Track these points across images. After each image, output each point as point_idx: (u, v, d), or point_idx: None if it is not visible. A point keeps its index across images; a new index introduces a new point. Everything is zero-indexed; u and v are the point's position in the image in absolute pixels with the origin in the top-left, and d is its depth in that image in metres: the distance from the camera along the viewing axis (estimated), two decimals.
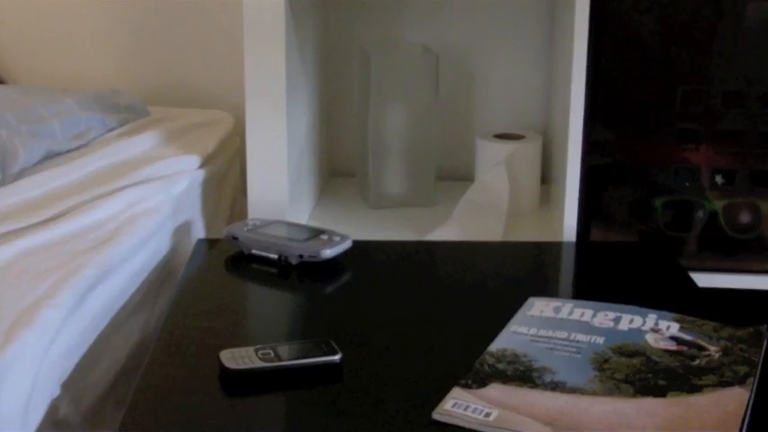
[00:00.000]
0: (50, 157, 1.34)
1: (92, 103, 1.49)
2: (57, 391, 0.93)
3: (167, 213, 1.26)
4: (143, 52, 1.79)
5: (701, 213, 1.31)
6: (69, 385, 0.96)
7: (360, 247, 1.20)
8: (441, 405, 0.82)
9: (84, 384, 1.00)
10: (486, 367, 0.88)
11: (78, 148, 1.40)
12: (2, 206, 1.17)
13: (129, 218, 1.19)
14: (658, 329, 0.96)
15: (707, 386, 0.84)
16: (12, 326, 0.89)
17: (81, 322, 1.00)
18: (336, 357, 0.89)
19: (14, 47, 1.81)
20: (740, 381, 0.85)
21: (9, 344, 0.86)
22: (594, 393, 0.83)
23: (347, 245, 1.17)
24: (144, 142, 1.44)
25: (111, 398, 1.06)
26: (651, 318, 0.98)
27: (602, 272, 1.20)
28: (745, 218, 1.31)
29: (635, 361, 0.89)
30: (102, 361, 1.05)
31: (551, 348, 0.92)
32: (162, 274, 1.22)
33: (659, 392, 0.83)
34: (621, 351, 0.91)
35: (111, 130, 1.49)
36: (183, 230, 1.31)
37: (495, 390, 0.84)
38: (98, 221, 1.17)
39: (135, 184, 1.27)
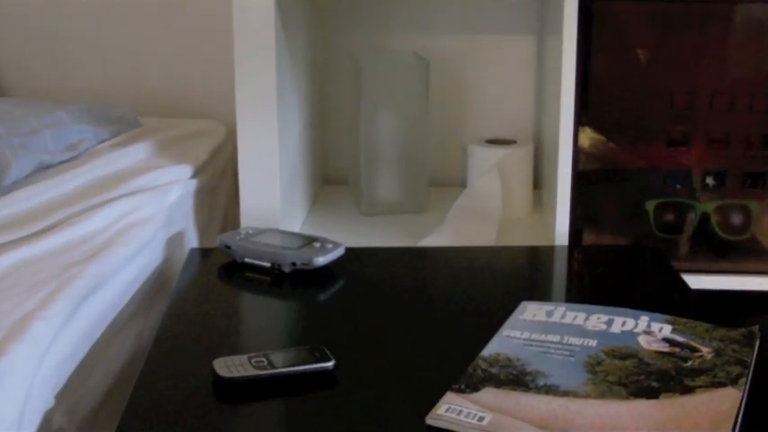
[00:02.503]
0: (42, 169, 1.34)
1: (84, 115, 1.49)
2: (51, 402, 0.93)
3: (160, 223, 1.26)
4: (134, 63, 1.79)
5: (692, 215, 1.31)
6: (63, 396, 0.96)
7: (353, 254, 1.20)
8: (434, 410, 0.82)
9: (78, 395, 1.00)
10: (480, 372, 0.88)
11: (70, 159, 1.40)
12: None
13: (121, 228, 1.19)
14: (651, 331, 0.96)
15: (700, 387, 0.84)
16: (4, 338, 0.89)
17: (74, 333, 1.00)
18: (330, 364, 0.89)
19: (7, 58, 1.81)
20: (733, 381, 0.85)
21: (1, 356, 0.86)
22: (588, 396, 0.83)
23: (340, 252, 1.17)
24: (136, 153, 1.44)
25: (105, 408, 1.06)
26: (644, 320, 0.98)
27: (594, 275, 1.20)
28: (736, 219, 1.31)
29: (628, 363, 0.89)
30: (96, 371, 1.05)
31: (544, 352, 0.92)
32: (155, 283, 1.22)
33: (652, 394, 0.83)
34: (614, 353, 0.91)
35: (103, 141, 1.49)
36: (175, 240, 1.31)
37: (488, 394, 0.84)
38: (91, 232, 1.17)
39: (127, 194, 1.27)
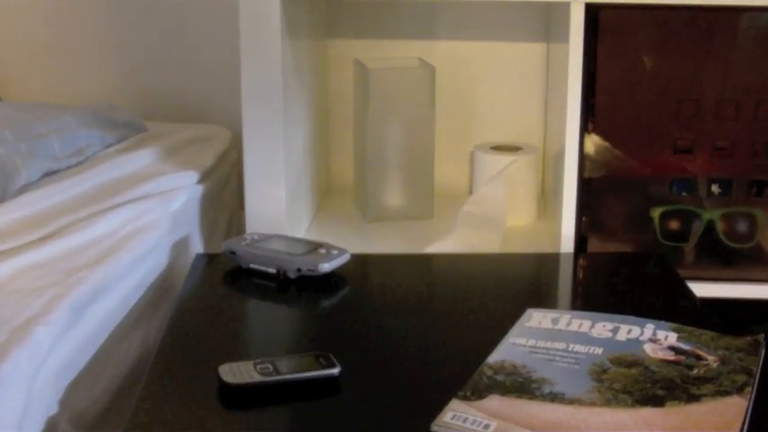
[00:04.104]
0: (49, 174, 1.35)
1: (90, 120, 1.49)
2: (54, 408, 0.93)
3: (165, 229, 1.26)
4: (140, 67, 1.79)
5: (697, 223, 1.31)
6: (68, 402, 0.96)
7: (358, 261, 1.20)
8: (439, 417, 0.82)
9: (83, 401, 1.00)
10: (485, 379, 0.88)
11: (77, 164, 1.40)
12: (0, 223, 1.17)
13: (126, 234, 1.19)
14: (656, 339, 0.96)
15: (705, 396, 0.84)
16: (4, 344, 0.89)
17: (78, 339, 1.00)
18: (335, 371, 0.89)
19: (9, 62, 1.81)
20: (738, 390, 0.85)
21: (3, 361, 0.86)
22: (593, 404, 0.83)
23: (345, 258, 1.17)
24: (142, 158, 1.44)
25: (110, 414, 1.06)
26: (649, 328, 0.98)
27: (599, 283, 1.20)
28: (741, 227, 1.31)
29: (633, 371, 0.89)
30: (100, 377, 1.05)
31: (550, 359, 0.92)
32: (160, 289, 1.22)
33: (658, 402, 0.83)
34: (620, 361, 0.91)
35: (110, 146, 1.49)
36: (181, 246, 1.31)
37: (493, 401, 0.84)
38: (95, 238, 1.17)
39: (133, 200, 1.28)
